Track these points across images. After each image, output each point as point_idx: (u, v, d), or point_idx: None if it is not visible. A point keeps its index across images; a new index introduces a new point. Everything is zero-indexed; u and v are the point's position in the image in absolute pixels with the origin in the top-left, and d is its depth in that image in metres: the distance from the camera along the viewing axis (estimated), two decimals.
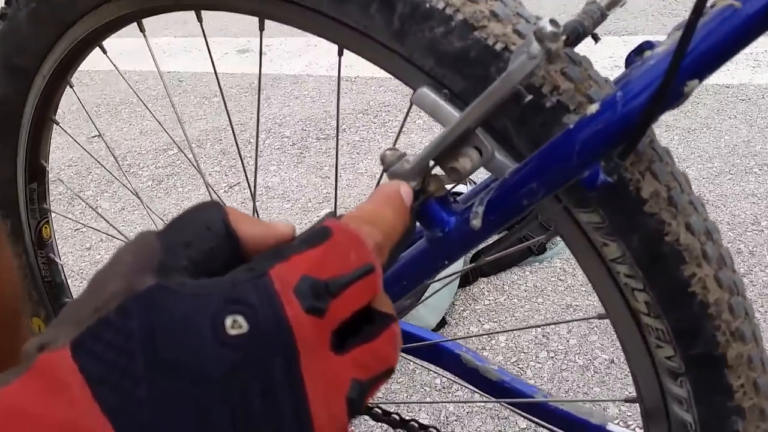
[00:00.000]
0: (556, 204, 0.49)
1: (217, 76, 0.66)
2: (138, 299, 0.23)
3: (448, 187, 0.52)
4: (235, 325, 0.23)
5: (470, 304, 1.50)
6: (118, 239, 1.82)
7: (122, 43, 3.35)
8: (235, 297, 0.23)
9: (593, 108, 0.41)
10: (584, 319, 0.60)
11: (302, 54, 3.02)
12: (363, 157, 2.10)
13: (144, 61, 3.13)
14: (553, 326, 1.40)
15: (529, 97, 0.43)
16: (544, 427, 0.68)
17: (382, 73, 2.34)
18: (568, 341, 1.37)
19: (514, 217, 0.47)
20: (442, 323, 1.44)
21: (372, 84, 2.58)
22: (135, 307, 0.23)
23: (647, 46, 0.50)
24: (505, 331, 1.26)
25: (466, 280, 1.54)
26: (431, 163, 0.49)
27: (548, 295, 1.50)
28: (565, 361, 1.33)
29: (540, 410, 0.68)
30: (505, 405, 0.69)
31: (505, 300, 1.50)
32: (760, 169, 1.79)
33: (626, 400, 0.58)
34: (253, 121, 2.45)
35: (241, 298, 0.23)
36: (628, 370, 1.27)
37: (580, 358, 1.33)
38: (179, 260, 0.25)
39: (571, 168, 0.42)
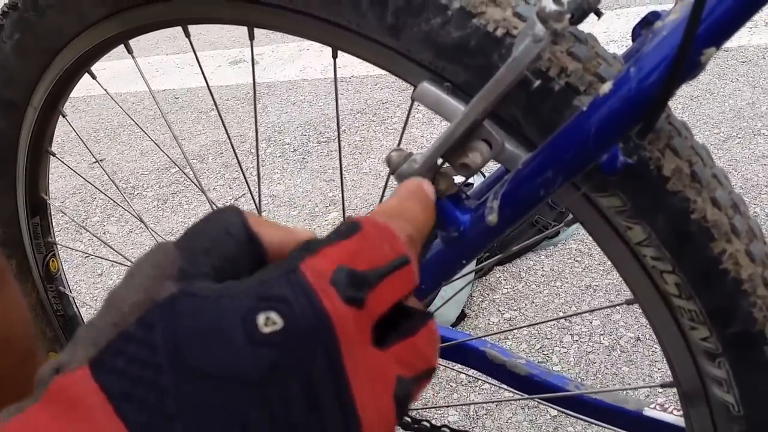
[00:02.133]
0: (574, 191, 0.47)
1: (210, 89, 0.64)
2: (159, 308, 0.21)
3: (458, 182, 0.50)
4: (269, 322, 0.21)
5: (488, 294, 1.48)
6: (128, 265, 1.81)
7: (115, 66, 3.34)
8: (265, 294, 0.21)
9: (606, 87, 0.39)
10: (611, 306, 0.58)
11: (295, 59, 3.00)
12: (366, 157, 2.08)
13: (138, 82, 3.12)
14: (574, 308, 1.38)
15: (538, 83, 0.41)
16: (579, 418, 0.66)
17: (376, 71, 2.30)
18: (591, 323, 1.35)
19: (532, 209, 0.45)
20: (462, 316, 1.42)
21: (368, 82, 2.56)
22: (157, 316, 0.21)
23: (653, 17, 0.48)
24: (542, 321, 1.24)
25: (482, 270, 1.53)
26: (439, 161, 0.48)
27: (566, 278, 1.48)
28: (590, 344, 1.31)
29: (573, 402, 0.66)
30: (537, 401, 0.67)
31: (523, 287, 1.48)
32: None
33: (662, 386, 0.55)
34: (253, 132, 2.44)
35: (273, 294, 0.21)
36: (655, 347, 1.26)
37: (605, 338, 1.31)
38: (200, 267, 0.23)
39: (588, 152, 0.40)
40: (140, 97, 3.00)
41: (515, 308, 1.43)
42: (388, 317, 0.25)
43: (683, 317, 0.48)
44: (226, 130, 0.66)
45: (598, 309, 0.55)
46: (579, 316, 1.37)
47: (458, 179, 0.50)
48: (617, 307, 1.37)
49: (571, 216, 1.56)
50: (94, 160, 2.50)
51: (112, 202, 2.20)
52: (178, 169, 2.31)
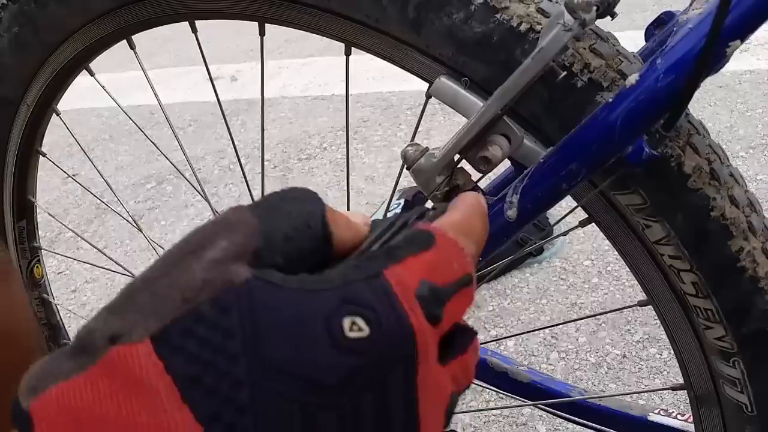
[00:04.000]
0: (590, 189, 0.47)
1: (216, 92, 0.63)
2: (237, 293, 0.20)
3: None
4: (354, 327, 0.20)
5: (474, 311, 1.47)
6: (112, 270, 1.78)
7: (90, 80, 3.29)
8: (350, 297, 0.20)
9: (632, 79, 0.39)
10: (623, 308, 0.58)
11: (274, 77, 2.99)
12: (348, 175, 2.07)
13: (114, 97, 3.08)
14: (561, 326, 1.38)
15: (563, 74, 0.41)
16: (582, 425, 0.65)
17: (358, 90, 2.29)
18: (577, 340, 1.35)
19: (552, 204, 0.45)
20: None
21: (349, 101, 2.56)
22: (234, 301, 0.19)
23: (667, 17, 0.48)
24: (552, 326, 1.24)
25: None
26: (457, 156, 0.47)
27: (552, 296, 1.48)
28: (577, 360, 1.31)
29: (577, 408, 0.66)
30: (541, 407, 0.66)
31: (509, 304, 1.48)
32: (746, 153, 1.80)
33: (673, 388, 0.55)
34: (232, 148, 2.42)
35: (358, 298, 0.20)
36: (641, 363, 1.26)
37: (592, 355, 1.31)
38: (275, 255, 0.22)
39: (614, 144, 0.40)
40: (115, 112, 2.96)
41: (501, 325, 1.43)
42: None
43: (698, 317, 0.48)
44: (232, 140, 0.65)
45: (608, 312, 0.54)
46: (565, 333, 1.37)
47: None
48: (603, 324, 1.37)
49: (555, 234, 1.57)
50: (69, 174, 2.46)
51: (84, 218, 2.16)
52: (153, 184, 2.28)
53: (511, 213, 0.45)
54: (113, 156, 2.58)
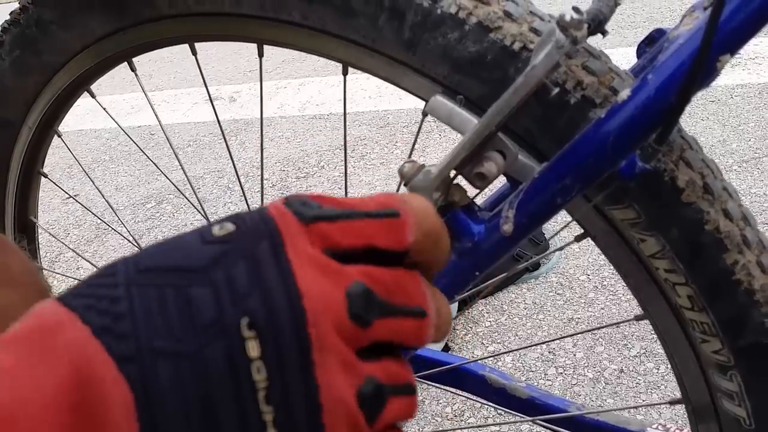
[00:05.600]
0: (584, 204, 0.48)
1: (216, 112, 0.64)
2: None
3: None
4: (222, 228, 0.23)
5: (471, 327, 1.47)
6: None
7: (89, 102, 3.30)
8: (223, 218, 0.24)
9: (624, 94, 0.40)
10: (620, 323, 0.58)
11: (272, 97, 3.01)
12: (346, 192, 2.08)
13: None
14: (558, 341, 1.38)
15: (556, 91, 0.42)
16: None
17: (355, 108, 2.31)
18: (575, 355, 1.35)
19: (547, 218, 0.45)
20: (446, 349, 1.41)
21: (346, 120, 2.57)
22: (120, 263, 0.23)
23: (658, 34, 0.49)
24: (549, 341, 1.23)
25: (464, 302, 1.52)
26: (453, 173, 0.48)
27: (548, 311, 1.48)
28: (575, 376, 1.31)
29: (575, 424, 0.66)
30: (539, 423, 0.66)
31: (506, 320, 1.48)
32: (739, 167, 1.81)
33: (671, 403, 0.55)
34: (230, 167, 2.43)
35: (230, 216, 0.24)
36: (639, 378, 1.26)
37: (589, 371, 1.31)
38: None
39: (607, 159, 0.41)
40: (115, 134, 2.97)
41: (498, 341, 1.43)
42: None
43: (694, 330, 0.48)
44: (232, 160, 0.65)
45: (605, 326, 0.55)
46: (562, 348, 1.37)
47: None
48: (599, 339, 1.38)
49: (550, 249, 1.57)
50: (66, 197, 2.46)
51: (84, 238, 2.16)
52: (152, 204, 2.29)
53: (507, 228, 0.46)
54: (113, 177, 2.59)
